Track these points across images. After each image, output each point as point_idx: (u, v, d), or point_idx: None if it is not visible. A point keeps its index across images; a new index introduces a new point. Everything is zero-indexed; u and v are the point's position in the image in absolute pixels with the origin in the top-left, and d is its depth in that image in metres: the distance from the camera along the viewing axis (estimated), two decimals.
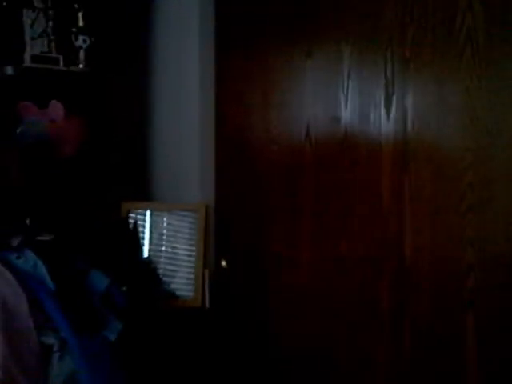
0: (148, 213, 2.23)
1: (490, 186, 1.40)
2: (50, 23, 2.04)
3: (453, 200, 1.46)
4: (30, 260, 1.66)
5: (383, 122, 1.61)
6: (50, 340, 1.52)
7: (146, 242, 2.22)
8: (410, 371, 1.60)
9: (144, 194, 2.36)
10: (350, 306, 1.75)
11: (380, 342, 1.67)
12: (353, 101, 1.70)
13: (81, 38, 2.08)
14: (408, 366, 1.60)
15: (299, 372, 1.93)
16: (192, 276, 2.16)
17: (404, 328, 1.60)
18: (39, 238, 1.79)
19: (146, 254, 2.21)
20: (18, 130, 1.98)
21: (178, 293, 2.17)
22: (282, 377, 1.99)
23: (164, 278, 2.19)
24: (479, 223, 1.42)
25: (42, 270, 1.65)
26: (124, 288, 1.99)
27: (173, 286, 2.18)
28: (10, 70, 1.98)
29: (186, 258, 2.19)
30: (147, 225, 2.23)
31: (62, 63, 2.07)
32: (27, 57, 2.01)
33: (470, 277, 1.43)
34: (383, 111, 1.61)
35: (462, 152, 1.44)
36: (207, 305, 2.14)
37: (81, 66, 2.12)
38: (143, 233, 2.23)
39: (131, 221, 2.23)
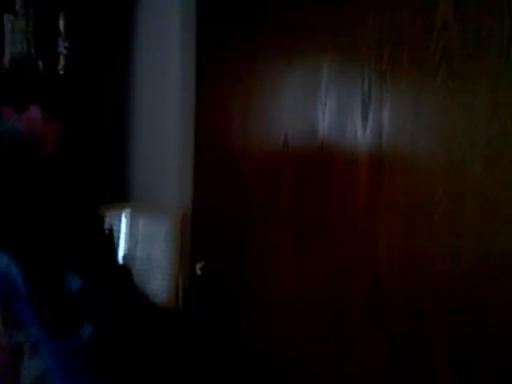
0: (124, 215, 2.24)
1: (461, 197, 1.45)
2: (31, 27, 2.03)
3: (425, 211, 1.51)
4: (1, 261, 1.66)
5: (359, 134, 1.65)
6: (20, 341, 1.52)
7: (122, 244, 2.23)
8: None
9: (121, 196, 2.36)
10: (330, 315, 1.78)
11: (355, 352, 1.71)
12: (330, 113, 1.73)
13: (61, 42, 2.08)
14: (385, 375, 1.65)
15: (272, 376, 1.96)
16: (167, 279, 2.17)
17: (378, 338, 1.64)
18: (12, 239, 1.79)
19: (121, 256, 2.22)
20: None
21: (153, 296, 2.18)
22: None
23: (139, 281, 2.19)
24: (450, 235, 1.47)
25: (15, 271, 1.64)
26: (98, 290, 1.99)
27: (148, 289, 2.19)
28: None
29: (161, 261, 2.20)
30: (123, 227, 2.23)
31: (41, 67, 2.07)
32: (6, 60, 2.00)
33: (443, 286, 1.48)
34: (360, 123, 1.65)
35: (436, 164, 1.49)
36: (180, 307, 2.15)
37: (61, 70, 2.12)
38: (119, 235, 2.23)
39: (107, 223, 2.23)
